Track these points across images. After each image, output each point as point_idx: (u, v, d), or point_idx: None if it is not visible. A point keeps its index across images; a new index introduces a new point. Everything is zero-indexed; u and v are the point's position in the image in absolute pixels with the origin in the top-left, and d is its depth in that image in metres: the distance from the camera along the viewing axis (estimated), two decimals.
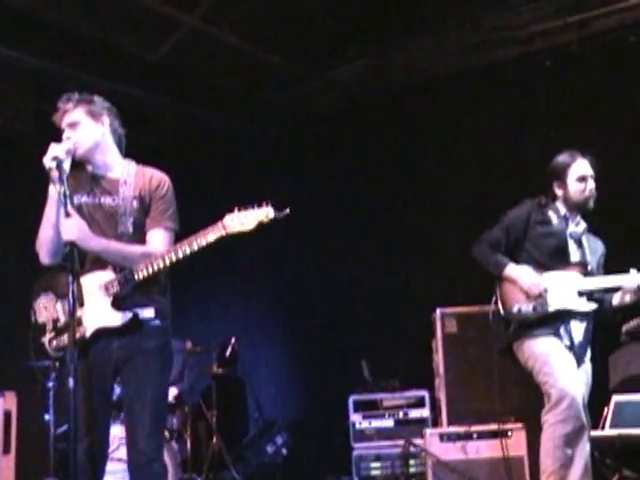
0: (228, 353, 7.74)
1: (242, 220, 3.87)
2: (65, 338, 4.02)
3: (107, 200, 4.14)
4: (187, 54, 7.80)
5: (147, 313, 4.08)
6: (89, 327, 3.98)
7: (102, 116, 4.19)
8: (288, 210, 3.90)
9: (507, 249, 5.25)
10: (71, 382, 3.70)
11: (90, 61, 7.43)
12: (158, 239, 4.12)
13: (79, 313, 4.00)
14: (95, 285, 3.98)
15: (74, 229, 3.86)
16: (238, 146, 9.25)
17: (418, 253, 8.05)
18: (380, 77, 8.16)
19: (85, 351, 3.97)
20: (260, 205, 3.89)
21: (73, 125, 4.11)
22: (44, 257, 4.11)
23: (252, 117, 9.01)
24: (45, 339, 4.15)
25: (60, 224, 3.89)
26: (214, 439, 7.32)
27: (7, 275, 6.00)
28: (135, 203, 4.13)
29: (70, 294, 3.77)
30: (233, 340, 7.79)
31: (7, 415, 6.99)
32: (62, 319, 4.12)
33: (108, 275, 4.01)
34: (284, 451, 8.12)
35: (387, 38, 7.85)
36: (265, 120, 9.07)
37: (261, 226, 3.89)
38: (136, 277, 3.96)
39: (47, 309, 4.18)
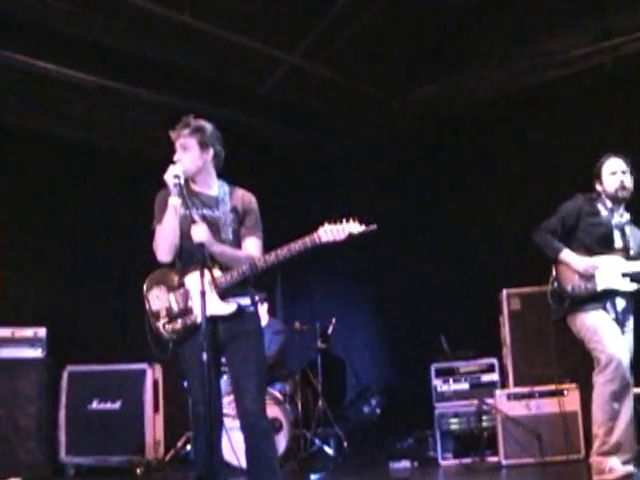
0: (330, 331, 7.80)
1: (334, 232, 3.93)
2: (178, 323, 4.09)
3: (208, 212, 4.17)
4: (288, 86, 7.86)
5: (244, 301, 4.12)
6: (199, 315, 3.95)
7: (209, 147, 4.19)
8: (375, 226, 3.92)
9: (562, 236, 5.22)
10: (204, 356, 3.75)
11: (210, 96, 7.57)
12: (254, 245, 4.19)
13: (190, 303, 4.08)
14: (200, 281, 3.90)
15: (204, 233, 3.95)
16: (328, 162, 9.32)
17: (486, 244, 8.03)
18: (449, 97, 8.12)
19: (196, 334, 4.00)
20: (348, 220, 3.94)
21: (184, 148, 4.15)
22: (163, 256, 4.13)
23: (342, 136, 9.04)
24: (159, 324, 4.13)
25: (191, 229, 3.95)
26: (320, 402, 7.34)
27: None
28: (232, 216, 4.19)
29: (200, 286, 3.81)
30: (333, 320, 7.80)
31: (155, 383, 7.20)
32: (175, 308, 4.12)
33: (215, 272, 4.00)
34: (378, 411, 8.17)
35: (454, 64, 7.84)
36: (352, 138, 9.07)
37: (351, 238, 3.93)
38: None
39: (160, 299, 4.15)
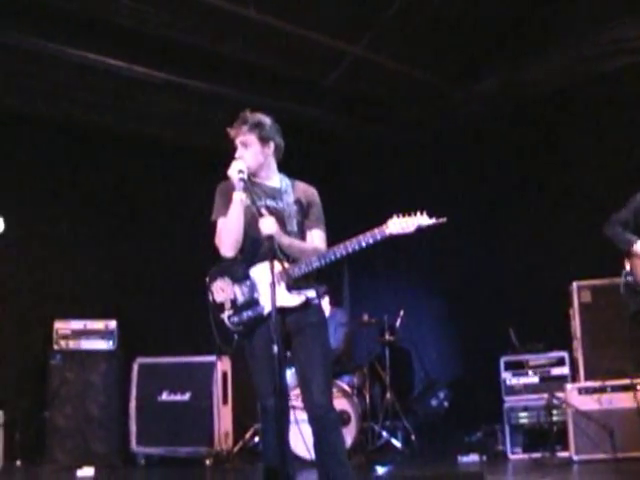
0: (397, 324, 7.80)
1: (403, 225, 3.87)
2: (244, 315, 4.07)
3: (272, 203, 4.14)
4: (352, 78, 7.85)
5: (310, 294, 4.07)
6: (266, 306, 3.98)
7: (270, 141, 4.16)
8: (445, 219, 3.86)
9: (634, 227, 5.14)
10: (275, 348, 3.71)
11: (275, 89, 7.64)
12: (319, 238, 4.19)
13: (256, 295, 4.06)
14: (270, 272, 3.84)
15: (273, 225, 3.91)
16: (392, 154, 9.29)
17: (556, 236, 7.92)
18: (513, 89, 7.99)
19: (262, 325, 4.02)
20: (416, 213, 3.88)
21: (245, 145, 4.14)
22: (227, 251, 4.10)
23: (406, 127, 8.98)
24: (224, 315, 4.10)
25: (259, 221, 3.90)
26: (388, 394, 7.38)
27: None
28: (296, 208, 4.17)
29: (270, 278, 3.78)
30: (401, 313, 7.74)
31: (224, 375, 7.32)
32: (240, 299, 4.09)
33: (280, 264, 3.95)
34: (446, 404, 8.13)
35: (518, 55, 7.73)
36: (416, 129, 8.98)
37: (420, 231, 3.90)
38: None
39: (224, 291, 4.13)
